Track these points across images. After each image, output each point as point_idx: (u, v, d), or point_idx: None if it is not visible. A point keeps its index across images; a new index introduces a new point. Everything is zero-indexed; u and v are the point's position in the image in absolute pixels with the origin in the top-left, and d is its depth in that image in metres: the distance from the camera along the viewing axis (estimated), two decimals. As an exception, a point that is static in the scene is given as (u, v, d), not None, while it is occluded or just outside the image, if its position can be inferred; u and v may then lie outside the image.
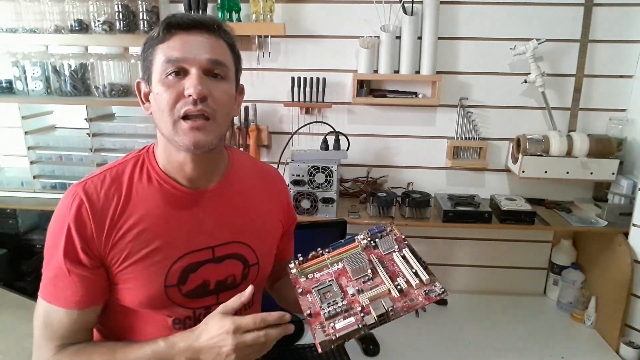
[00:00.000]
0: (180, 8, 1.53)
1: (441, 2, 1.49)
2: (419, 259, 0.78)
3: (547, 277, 1.73)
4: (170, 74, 0.73)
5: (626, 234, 1.39)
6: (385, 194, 1.49)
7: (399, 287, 0.74)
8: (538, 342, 1.43)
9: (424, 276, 0.74)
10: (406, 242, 0.83)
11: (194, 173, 0.80)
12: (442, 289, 0.73)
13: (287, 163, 1.50)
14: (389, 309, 0.70)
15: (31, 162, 1.61)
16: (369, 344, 1.36)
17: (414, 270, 0.76)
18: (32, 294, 1.56)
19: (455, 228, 1.48)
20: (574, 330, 1.50)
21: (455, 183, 1.68)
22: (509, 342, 1.42)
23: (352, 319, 0.71)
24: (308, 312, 0.74)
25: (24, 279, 1.68)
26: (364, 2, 1.51)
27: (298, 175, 1.44)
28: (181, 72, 0.73)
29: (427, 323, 1.51)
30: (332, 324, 0.71)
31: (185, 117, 0.73)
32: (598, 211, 1.51)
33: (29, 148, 1.60)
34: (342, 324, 0.70)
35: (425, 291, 0.73)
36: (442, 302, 1.63)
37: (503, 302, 1.66)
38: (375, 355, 1.34)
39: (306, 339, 1.40)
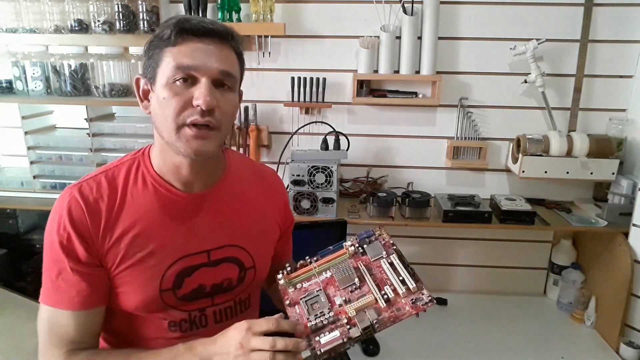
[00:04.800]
0: (180, 8, 1.53)
1: (441, 2, 1.49)
2: (406, 266, 0.77)
3: (547, 277, 1.73)
4: (178, 80, 0.72)
5: (626, 234, 1.39)
6: (385, 194, 1.49)
7: (385, 296, 0.73)
8: (538, 342, 1.43)
9: (411, 284, 0.73)
10: (394, 247, 0.82)
11: (190, 177, 0.80)
12: (429, 297, 0.72)
13: (287, 163, 1.50)
14: (374, 322, 0.69)
15: (31, 162, 1.61)
16: (369, 344, 1.36)
17: (400, 278, 0.75)
18: (32, 294, 1.55)
19: (455, 228, 1.48)
20: (574, 330, 1.50)
21: (455, 183, 1.68)
22: (508, 342, 1.42)
23: (337, 333, 0.70)
24: None
25: (24, 279, 1.68)
26: (364, 2, 1.51)
27: (298, 175, 1.44)
28: (189, 79, 0.72)
29: (427, 323, 1.51)
30: (317, 338, 0.70)
31: (190, 124, 0.73)
32: (598, 211, 1.51)
33: (29, 148, 1.60)
34: (326, 339, 0.69)
35: (412, 300, 0.72)
36: (442, 302, 1.63)
37: (503, 302, 1.67)
38: (375, 355, 1.34)
39: (306, 339, 1.40)
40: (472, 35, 1.54)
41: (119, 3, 1.47)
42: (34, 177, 1.61)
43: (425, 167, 1.67)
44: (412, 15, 1.49)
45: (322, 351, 0.68)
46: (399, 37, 1.52)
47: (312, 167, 1.43)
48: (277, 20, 1.52)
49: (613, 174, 1.44)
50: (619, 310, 1.37)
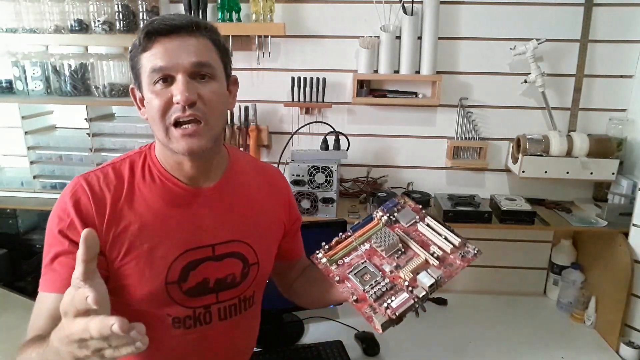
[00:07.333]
0: (180, 8, 1.53)
1: (441, 2, 1.49)
2: (443, 224, 0.78)
3: (547, 277, 1.72)
4: (157, 82, 0.73)
5: (626, 234, 1.38)
6: (385, 194, 1.49)
7: (435, 255, 0.74)
8: (538, 342, 1.43)
9: (455, 240, 0.74)
10: (424, 211, 0.82)
11: (193, 172, 0.81)
12: (475, 249, 0.73)
13: (287, 163, 1.50)
14: (438, 277, 0.70)
15: (31, 162, 1.61)
16: (369, 344, 1.36)
17: (443, 236, 0.76)
18: (32, 294, 1.54)
19: (455, 228, 1.48)
20: (574, 330, 1.50)
21: (455, 183, 1.68)
22: (508, 342, 1.42)
23: (405, 294, 0.70)
24: (353, 298, 0.73)
25: (24, 279, 1.68)
26: (364, 2, 1.51)
27: (298, 175, 1.44)
28: (168, 79, 0.73)
29: (427, 323, 1.51)
30: (385, 304, 0.70)
31: (177, 123, 0.73)
32: (598, 211, 1.51)
33: (29, 148, 1.60)
34: (397, 302, 0.69)
35: (460, 254, 0.73)
36: (442, 302, 1.63)
37: (503, 302, 1.66)
38: (375, 355, 1.34)
39: (307, 339, 1.40)
40: (472, 35, 1.54)
41: (119, 3, 1.47)
42: (34, 177, 1.61)
43: (425, 167, 1.67)
44: (412, 15, 1.49)
45: (397, 314, 0.68)
46: (399, 37, 1.52)
47: (312, 167, 1.43)
48: (277, 20, 1.52)
49: (613, 174, 1.44)
50: (619, 310, 1.36)
